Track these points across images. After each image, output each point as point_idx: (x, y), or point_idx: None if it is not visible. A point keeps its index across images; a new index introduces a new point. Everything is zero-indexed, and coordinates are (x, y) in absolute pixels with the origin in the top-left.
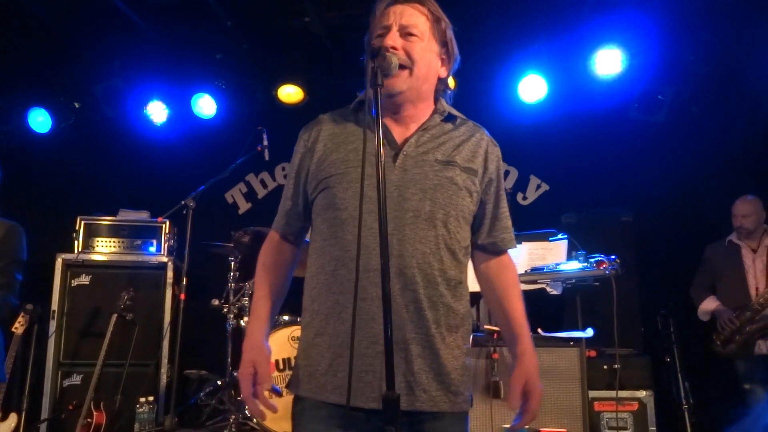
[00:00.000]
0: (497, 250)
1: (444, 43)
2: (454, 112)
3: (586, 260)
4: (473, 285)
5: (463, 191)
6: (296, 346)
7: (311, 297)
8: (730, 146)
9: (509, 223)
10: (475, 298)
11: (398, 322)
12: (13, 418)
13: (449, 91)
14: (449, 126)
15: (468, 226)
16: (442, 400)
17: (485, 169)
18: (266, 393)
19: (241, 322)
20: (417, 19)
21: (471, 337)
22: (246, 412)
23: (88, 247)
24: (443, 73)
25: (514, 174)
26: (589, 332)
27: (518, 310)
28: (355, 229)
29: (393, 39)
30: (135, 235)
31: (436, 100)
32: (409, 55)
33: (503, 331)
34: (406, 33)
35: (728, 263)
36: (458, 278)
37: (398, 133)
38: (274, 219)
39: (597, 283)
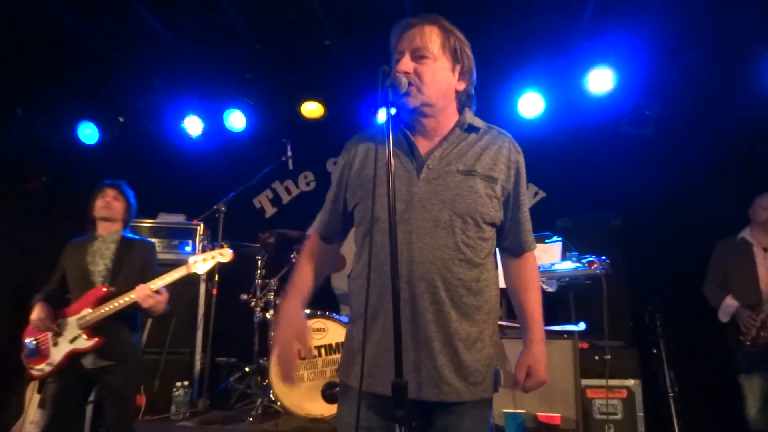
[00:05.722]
0: (519, 252)
1: (456, 58)
2: (478, 122)
3: (578, 260)
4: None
5: (483, 198)
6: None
7: (352, 296)
8: (710, 156)
9: (530, 226)
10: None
11: (422, 322)
12: None
13: (472, 102)
14: (472, 136)
15: (491, 228)
16: (464, 390)
17: (507, 176)
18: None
19: (267, 315)
20: (427, 40)
21: (496, 329)
22: (272, 387)
23: None
24: (460, 86)
25: None
26: (582, 326)
27: (531, 302)
28: (383, 238)
29: (405, 64)
30: (172, 236)
31: (461, 112)
32: (419, 76)
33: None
34: (417, 56)
35: (738, 260)
36: (478, 278)
37: (423, 147)
38: (297, 222)
39: (589, 282)
